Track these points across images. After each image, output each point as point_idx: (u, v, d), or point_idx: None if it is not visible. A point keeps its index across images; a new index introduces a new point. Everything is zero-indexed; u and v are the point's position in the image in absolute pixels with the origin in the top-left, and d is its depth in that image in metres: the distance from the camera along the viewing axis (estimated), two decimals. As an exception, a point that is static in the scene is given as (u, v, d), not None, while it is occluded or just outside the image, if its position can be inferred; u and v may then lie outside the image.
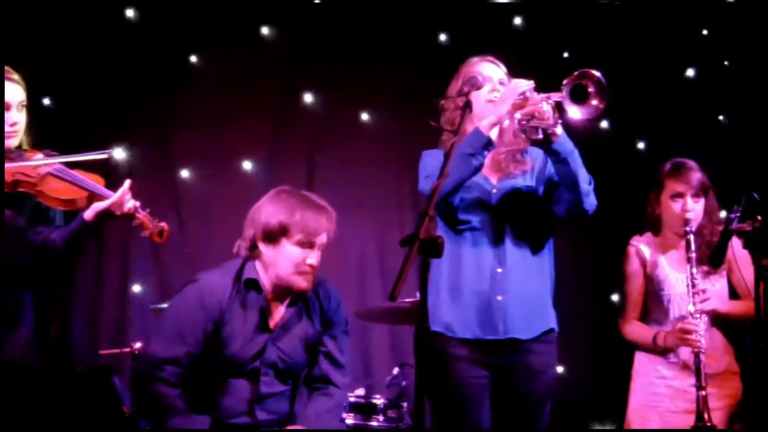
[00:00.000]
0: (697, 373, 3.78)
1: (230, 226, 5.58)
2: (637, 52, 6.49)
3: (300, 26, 6.17)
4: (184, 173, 5.95)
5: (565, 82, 3.38)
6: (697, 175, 4.05)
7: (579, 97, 3.36)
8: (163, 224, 3.59)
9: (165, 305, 4.48)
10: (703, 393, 3.73)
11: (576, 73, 3.38)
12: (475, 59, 3.78)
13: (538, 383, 3.58)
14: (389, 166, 6.25)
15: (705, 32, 6.65)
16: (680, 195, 4.02)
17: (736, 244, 3.89)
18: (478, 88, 3.45)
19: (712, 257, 3.82)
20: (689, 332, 3.83)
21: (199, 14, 5.91)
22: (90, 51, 5.73)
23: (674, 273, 4.04)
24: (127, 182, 3.47)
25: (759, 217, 3.53)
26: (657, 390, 4.00)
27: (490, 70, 3.73)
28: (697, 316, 3.84)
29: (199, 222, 5.89)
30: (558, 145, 3.44)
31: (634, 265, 4.11)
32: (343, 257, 5.82)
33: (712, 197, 4.08)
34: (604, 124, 6.58)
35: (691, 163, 4.12)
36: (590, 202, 3.55)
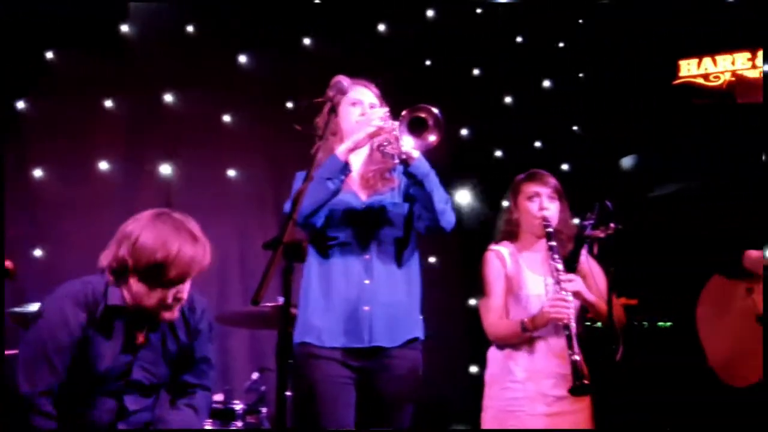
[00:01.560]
0: (569, 340, 3.85)
1: (85, 226, 5.49)
2: (496, 62, 6.65)
3: (161, 25, 6.07)
4: (38, 172, 5.76)
5: (403, 114, 3.53)
6: (551, 179, 4.19)
7: (419, 127, 3.52)
8: (7, 263, 3.42)
9: (20, 309, 4.33)
10: (577, 357, 3.80)
11: (414, 106, 3.53)
12: (348, 81, 3.81)
13: (400, 387, 3.67)
14: (251, 169, 6.21)
15: (561, 44, 6.86)
16: (537, 195, 4.13)
17: (590, 256, 4.01)
18: (344, 93, 3.49)
19: (567, 262, 3.92)
20: (557, 306, 3.88)
21: (57, 10, 5.72)
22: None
23: (532, 275, 4.12)
24: None
25: (612, 225, 3.65)
26: (514, 395, 4.05)
27: (360, 93, 3.84)
28: (563, 293, 3.91)
29: (54, 222, 5.71)
30: (413, 168, 3.59)
31: (495, 268, 4.17)
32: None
33: (565, 205, 4.19)
34: (463, 131, 6.72)
35: (545, 171, 4.24)
36: (447, 220, 3.69)
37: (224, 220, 5.97)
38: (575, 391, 3.77)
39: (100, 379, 3.32)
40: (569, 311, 3.88)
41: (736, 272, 3.84)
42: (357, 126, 3.70)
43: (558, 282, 3.93)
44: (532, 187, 4.15)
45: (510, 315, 4.11)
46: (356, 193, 3.78)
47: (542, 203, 4.11)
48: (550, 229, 4.04)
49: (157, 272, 3.20)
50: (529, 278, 4.10)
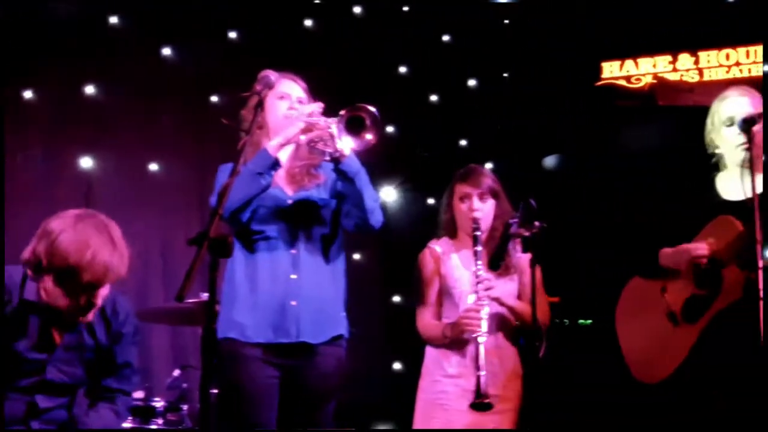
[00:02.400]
0: (476, 356, 3.91)
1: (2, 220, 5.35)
2: (422, 61, 6.67)
3: (85, 14, 5.95)
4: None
5: (341, 113, 3.54)
6: (485, 179, 4.20)
7: (357, 126, 3.54)
8: None
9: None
10: (482, 374, 3.85)
11: (353, 105, 3.54)
12: (276, 75, 3.77)
13: (325, 384, 3.69)
14: (174, 163, 6.12)
15: (486, 44, 6.91)
16: (468, 196, 4.16)
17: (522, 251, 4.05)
18: (270, 87, 3.47)
19: (491, 259, 3.96)
20: (468, 318, 3.93)
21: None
22: None
23: (466, 272, 4.15)
24: None
25: (536, 223, 3.68)
26: (444, 388, 4.08)
27: (288, 87, 3.81)
28: (481, 302, 3.95)
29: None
30: (344, 165, 3.59)
31: (429, 266, 4.20)
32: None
33: (503, 202, 4.21)
34: (389, 129, 6.72)
35: (482, 169, 4.29)
36: (376, 218, 3.72)
37: (146, 215, 5.86)
38: (475, 407, 3.85)
39: (12, 376, 3.24)
40: (479, 323, 3.92)
41: (652, 272, 3.90)
42: (285, 121, 3.69)
43: (476, 291, 3.97)
44: (463, 188, 4.18)
45: (444, 311, 4.15)
46: (282, 187, 3.76)
47: (472, 204, 4.13)
48: (478, 233, 4.08)
49: (71, 275, 3.16)
50: (463, 275, 4.14)
